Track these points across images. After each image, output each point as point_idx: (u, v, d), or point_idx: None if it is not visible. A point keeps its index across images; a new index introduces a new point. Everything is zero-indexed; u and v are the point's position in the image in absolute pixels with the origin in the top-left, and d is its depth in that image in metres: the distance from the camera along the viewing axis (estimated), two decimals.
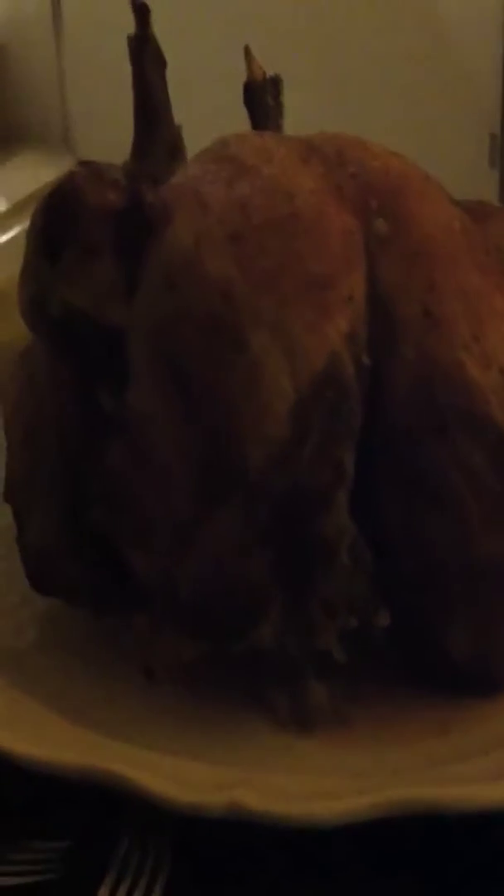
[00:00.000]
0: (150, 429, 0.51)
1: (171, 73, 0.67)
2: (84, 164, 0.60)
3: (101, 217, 0.55)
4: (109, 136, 0.88)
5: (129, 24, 0.67)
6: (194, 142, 0.66)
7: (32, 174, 1.48)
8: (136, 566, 0.51)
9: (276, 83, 0.69)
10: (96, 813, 0.51)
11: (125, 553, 0.52)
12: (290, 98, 0.69)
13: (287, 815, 0.48)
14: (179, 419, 0.50)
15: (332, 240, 0.51)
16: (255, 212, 0.51)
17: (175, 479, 0.50)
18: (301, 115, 0.71)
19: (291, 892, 0.49)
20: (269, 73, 0.69)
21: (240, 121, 0.69)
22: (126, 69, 0.67)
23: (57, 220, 0.56)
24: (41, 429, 0.56)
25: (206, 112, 0.84)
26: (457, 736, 0.52)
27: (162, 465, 0.50)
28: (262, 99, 0.69)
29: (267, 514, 0.49)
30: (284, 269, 0.50)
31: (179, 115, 0.68)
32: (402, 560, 0.52)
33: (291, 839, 0.49)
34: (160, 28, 0.67)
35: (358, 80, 1.49)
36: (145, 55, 0.66)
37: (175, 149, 0.66)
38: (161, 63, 0.67)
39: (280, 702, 0.53)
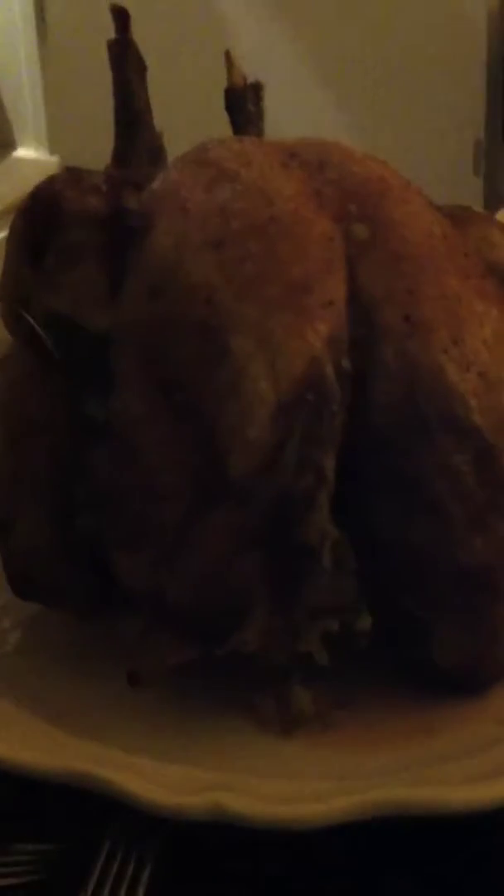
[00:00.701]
0: (135, 433, 0.51)
1: (151, 78, 0.68)
2: (66, 168, 0.60)
3: (82, 222, 0.55)
4: (92, 141, 0.88)
5: (110, 29, 0.67)
6: (175, 147, 0.66)
7: (15, 179, 1.49)
8: (122, 570, 0.52)
9: (256, 89, 0.69)
10: (79, 816, 0.51)
11: (112, 557, 0.52)
12: (271, 104, 0.69)
13: (269, 818, 0.48)
14: (164, 424, 0.50)
15: (312, 245, 0.51)
16: (234, 217, 0.52)
17: (161, 483, 0.50)
18: (284, 121, 0.72)
19: (277, 894, 0.49)
20: (251, 78, 0.70)
21: (221, 126, 0.70)
22: (108, 74, 0.67)
23: (38, 225, 0.56)
24: (25, 435, 0.56)
25: (187, 117, 0.85)
26: (442, 738, 0.52)
27: (148, 470, 0.51)
28: (243, 104, 0.69)
29: (252, 518, 0.50)
30: (265, 274, 0.50)
31: (161, 120, 0.68)
32: (387, 563, 0.52)
33: (276, 842, 0.49)
34: (140, 33, 0.67)
35: (342, 87, 1.49)
36: (126, 60, 0.66)
37: (156, 154, 0.67)
38: (142, 68, 0.67)
39: (264, 704, 0.53)
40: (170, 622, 0.51)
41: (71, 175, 0.59)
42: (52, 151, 1.63)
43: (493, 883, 0.49)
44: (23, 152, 1.66)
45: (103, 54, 0.67)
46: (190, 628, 0.51)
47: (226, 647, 0.51)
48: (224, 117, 0.70)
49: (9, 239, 0.61)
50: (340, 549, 0.50)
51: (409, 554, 0.51)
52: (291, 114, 0.80)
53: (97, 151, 0.71)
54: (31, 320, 0.56)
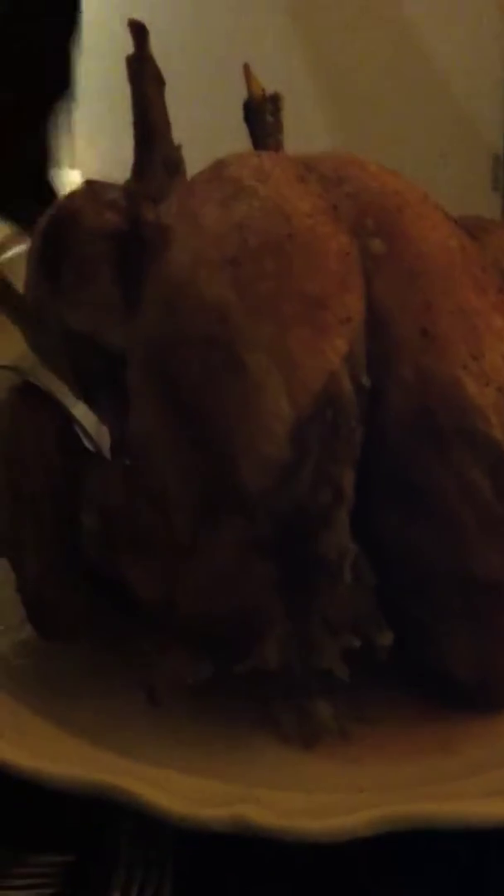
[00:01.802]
0: (149, 449, 0.51)
1: (169, 92, 0.68)
2: (86, 183, 0.61)
3: (99, 238, 0.56)
4: (113, 154, 0.89)
5: (128, 45, 0.67)
6: (194, 160, 0.67)
7: None
8: (136, 589, 0.52)
9: (275, 101, 0.69)
10: (99, 827, 0.51)
11: (125, 577, 0.52)
12: (290, 117, 0.69)
13: (290, 830, 0.48)
14: (178, 440, 0.50)
15: (329, 261, 0.51)
16: (251, 234, 0.52)
17: (174, 499, 0.50)
18: (302, 133, 0.72)
19: None
20: (269, 90, 0.70)
21: (240, 139, 0.70)
22: (127, 88, 0.68)
23: (56, 240, 0.57)
24: (23, 474, 0.56)
25: (205, 131, 0.85)
26: (460, 753, 0.52)
27: (161, 486, 0.51)
28: (261, 116, 0.69)
29: (268, 535, 0.50)
30: (281, 291, 0.50)
31: (179, 133, 0.69)
32: (403, 577, 0.52)
33: (294, 855, 0.49)
34: (158, 48, 0.68)
35: (358, 100, 1.49)
36: (144, 75, 0.66)
37: (175, 168, 0.67)
38: (160, 82, 0.67)
39: (284, 718, 0.53)
40: (186, 639, 0.51)
41: (90, 190, 0.60)
42: (72, 165, 1.63)
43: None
44: None
45: (122, 69, 0.67)
46: (206, 645, 0.51)
47: (244, 663, 0.51)
48: (243, 129, 0.70)
49: (29, 255, 0.61)
50: (359, 564, 0.50)
51: (424, 566, 0.51)
52: (306, 127, 0.80)
53: (117, 165, 0.71)
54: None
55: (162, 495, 0.50)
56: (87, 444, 0.58)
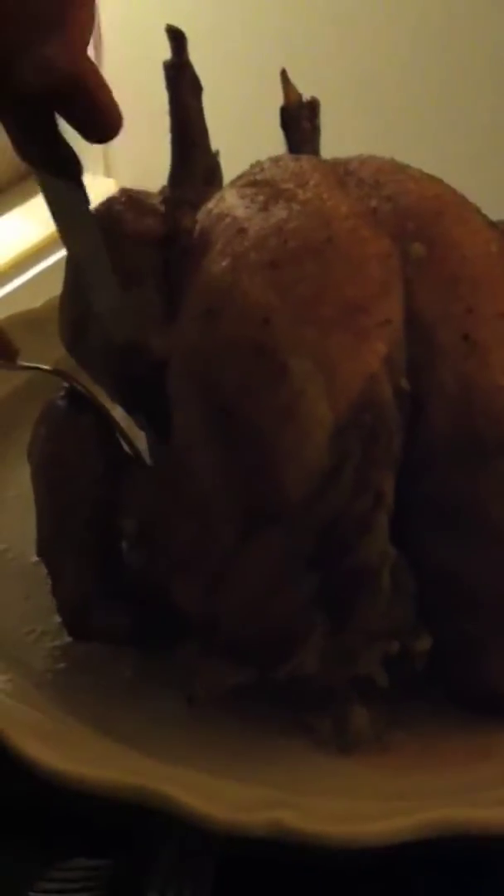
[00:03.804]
0: (190, 456, 0.51)
1: (206, 97, 0.68)
2: (123, 191, 0.61)
3: (139, 244, 0.56)
4: (148, 162, 0.89)
5: (166, 51, 0.67)
6: (230, 165, 0.67)
7: None
8: (177, 596, 0.52)
9: (312, 106, 0.70)
10: (137, 833, 0.51)
11: (166, 584, 0.52)
12: (327, 121, 0.69)
13: (327, 836, 0.48)
14: (219, 445, 0.50)
15: (369, 264, 0.51)
16: (291, 237, 0.52)
17: (216, 506, 0.50)
18: (336, 138, 0.72)
19: None
20: (306, 96, 0.70)
21: (276, 144, 0.70)
22: (163, 95, 0.68)
23: None
24: (64, 481, 0.57)
25: (242, 136, 0.85)
26: (498, 760, 0.52)
27: (202, 493, 0.50)
28: (298, 122, 0.69)
29: (309, 540, 0.49)
30: (322, 294, 0.50)
31: (215, 139, 0.69)
32: (441, 587, 0.51)
33: (333, 862, 0.49)
34: (195, 54, 0.68)
35: (397, 103, 1.49)
36: (182, 81, 0.67)
37: (212, 173, 0.67)
38: (197, 88, 0.67)
39: (322, 724, 0.53)
40: (227, 645, 0.51)
41: (128, 197, 0.60)
42: (107, 173, 1.64)
43: None
44: None
45: (159, 75, 0.67)
46: (247, 651, 0.51)
47: (284, 670, 0.51)
48: (279, 135, 0.70)
49: (68, 262, 0.61)
50: (398, 571, 0.50)
51: (462, 578, 0.51)
52: (343, 131, 0.80)
53: (151, 173, 0.72)
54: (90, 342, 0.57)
55: (203, 503, 0.50)
56: (127, 449, 0.58)
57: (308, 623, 0.50)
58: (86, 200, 0.55)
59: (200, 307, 0.52)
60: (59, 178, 0.53)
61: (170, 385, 0.53)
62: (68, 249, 0.57)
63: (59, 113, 0.50)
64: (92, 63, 0.49)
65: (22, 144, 0.52)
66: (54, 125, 0.51)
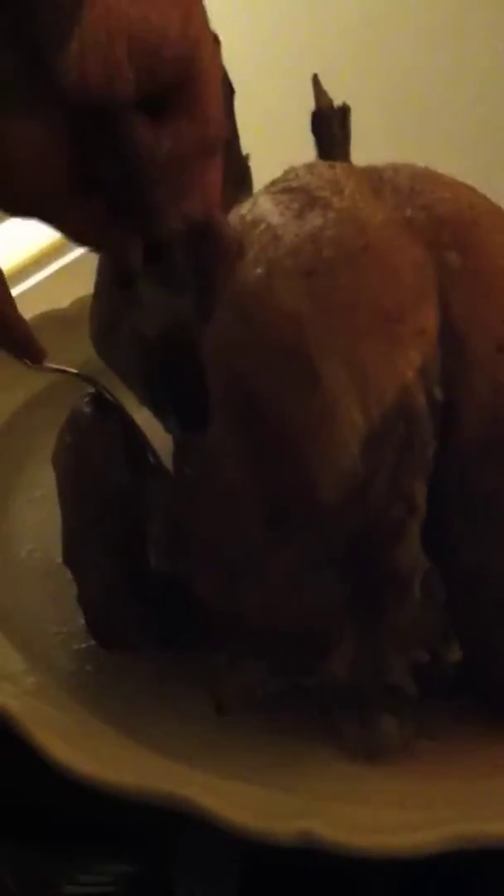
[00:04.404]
0: (221, 459, 0.51)
1: (238, 101, 0.68)
2: None
3: (174, 245, 0.56)
4: None
5: None
6: (260, 170, 0.66)
7: None
8: (206, 602, 0.51)
9: (344, 112, 0.69)
10: (163, 838, 0.51)
11: (195, 590, 0.52)
12: (358, 127, 0.69)
13: (356, 846, 0.48)
14: (252, 451, 0.50)
15: (404, 273, 0.51)
16: (327, 245, 0.52)
17: (246, 510, 0.50)
18: (367, 145, 0.72)
19: None
20: (337, 101, 0.70)
21: (306, 149, 0.70)
22: None
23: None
24: (90, 486, 0.57)
25: (272, 140, 0.85)
26: None
27: (233, 497, 0.50)
28: (329, 127, 0.69)
29: (339, 547, 0.49)
30: (357, 303, 0.50)
31: (246, 143, 0.68)
32: (473, 595, 0.51)
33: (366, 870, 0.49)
34: (227, 56, 0.68)
35: (428, 110, 1.48)
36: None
37: (242, 178, 0.67)
38: (229, 91, 0.67)
39: (349, 732, 0.53)
40: (255, 652, 0.51)
41: None
42: None
43: None
44: None
45: None
46: (277, 658, 0.51)
47: (313, 677, 0.51)
48: (309, 140, 0.70)
49: (100, 262, 0.61)
50: (430, 579, 0.50)
51: (495, 587, 0.51)
52: (375, 138, 0.80)
53: None
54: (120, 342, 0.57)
55: (233, 504, 0.50)
56: (149, 455, 0.58)
57: (337, 630, 0.50)
58: None
59: (235, 312, 0.52)
60: None
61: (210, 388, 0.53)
62: None
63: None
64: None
65: None
66: None
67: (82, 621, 0.58)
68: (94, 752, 0.52)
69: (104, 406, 0.58)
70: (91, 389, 0.59)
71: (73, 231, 0.50)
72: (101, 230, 0.50)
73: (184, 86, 0.48)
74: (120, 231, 0.50)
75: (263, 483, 0.50)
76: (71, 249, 1.20)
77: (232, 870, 0.50)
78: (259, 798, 0.50)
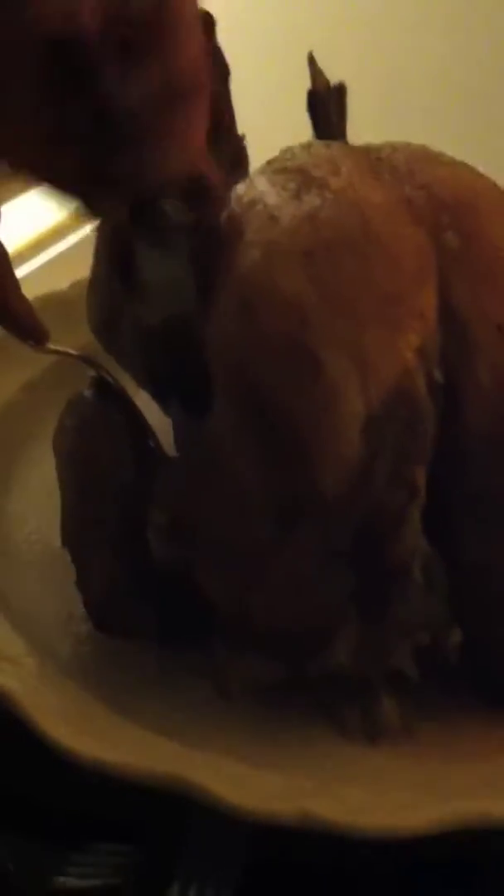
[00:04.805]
0: (225, 447, 0.51)
1: (234, 82, 0.68)
2: None
3: (171, 231, 0.55)
4: None
5: None
6: (257, 151, 0.66)
7: None
8: (210, 591, 0.51)
9: (340, 91, 0.69)
10: (163, 821, 0.51)
11: (199, 579, 0.52)
12: (355, 107, 0.69)
13: (358, 826, 0.48)
14: (255, 439, 0.50)
15: (404, 255, 0.51)
16: (325, 226, 0.51)
17: (251, 500, 0.50)
18: (366, 125, 0.71)
19: None
20: (334, 81, 0.69)
21: (302, 129, 0.69)
22: None
23: (127, 237, 0.56)
24: (93, 476, 0.57)
25: (268, 121, 0.84)
26: None
27: (238, 486, 0.50)
28: (325, 108, 0.69)
29: (345, 535, 0.49)
30: (357, 285, 0.50)
31: (242, 123, 0.68)
32: (474, 581, 0.51)
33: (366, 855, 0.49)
34: (222, 37, 0.67)
35: (425, 89, 1.48)
36: (211, 65, 0.66)
37: (238, 158, 0.66)
38: (225, 73, 0.67)
39: (351, 714, 0.53)
40: (260, 640, 0.51)
41: None
42: None
43: None
44: None
45: None
46: (280, 646, 0.51)
47: (316, 664, 0.51)
48: (306, 120, 0.70)
49: (96, 252, 0.61)
50: (431, 565, 0.50)
51: (496, 573, 0.51)
52: (372, 117, 0.80)
53: None
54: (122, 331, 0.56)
55: (239, 496, 0.50)
56: (150, 441, 0.58)
57: (342, 617, 0.50)
58: None
59: (235, 298, 0.52)
60: None
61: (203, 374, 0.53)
62: None
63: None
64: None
65: None
66: None
67: (82, 605, 0.58)
68: (94, 733, 0.52)
69: (106, 389, 0.57)
70: (92, 373, 0.59)
71: (47, 180, 0.49)
72: (76, 182, 0.48)
73: (154, 27, 0.46)
74: (97, 184, 0.48)
75: (270, 474, 0.50)
76: (69, 234, 1.20)
77: (236, 862, 0.50)
78: (259, 779, 0.50)
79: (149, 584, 0.55)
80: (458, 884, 0.50)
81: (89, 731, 0.52)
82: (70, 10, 0.44)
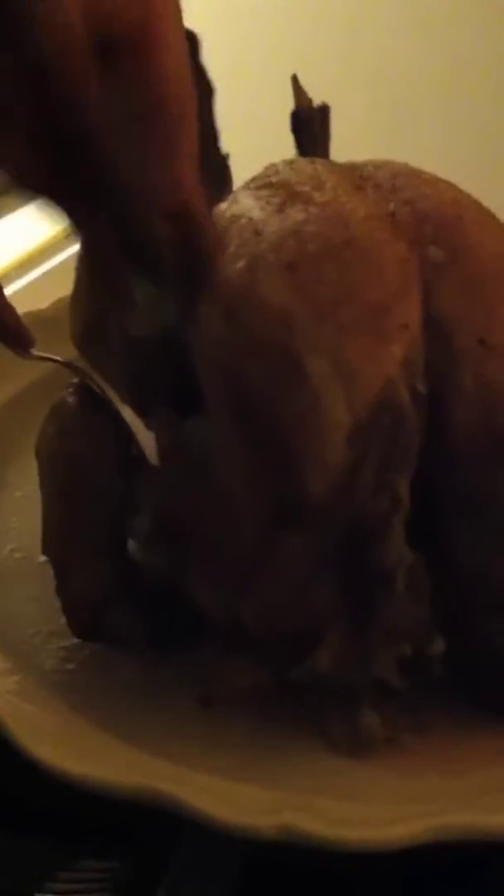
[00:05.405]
0: (212, 457, 0.51)
1: (219, 101, 0.68)
2: None
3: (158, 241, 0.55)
4: None
5: None
6: (240, 169, 0.67)
7: None
8: (198, 597, 0.51)
9: (324, 111, 0.69)
10: (149, 835, 0.51)
11: (186, 585, 0.52)
12: (338, 126, 0.69)
13: (338, 840, 0.47)
14: (242, 447, 0.50)
15: (388, 268, 0.51)
16: (309, 240, 0.52)
17: (238, 507, 0.50)
18: (349, 143, 0.72)
19: None
20: (317, 101, 0.70)
21: (286, 149, 0.70)
22: None
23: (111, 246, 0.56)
24: (75, 480, 0.56)
25: (252, 140, 0.85)
26: None
27: (225, 494, 0.50)
28: (309, 127, 0.69)
29: (329, 542, 0.49)
30: (341, 297, 0.50)
31: (226, 141, 0.68)
32: (464, 589, 0.51)
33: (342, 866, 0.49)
34: (208, 56, 0.68)
35: (409, 109, 1.49)
36: (196, 83, 0.66)
37: (222, 177, 0.67)
38: (210, 91, 0.67)
39: (334, 726, 0.53)
40: (245, 646, 0.51)
41: None
42: None
43: None
44: None
45: None
46: (265, 652, 0.51)
47: (300, 670, 0.51)
48: (289, 140, 0.70)
49: (80, 262, 0.61)
50: (414, 573, 0.50)
51: (485, 580, 0.51)
52: (355, 136, 0.80)
53: None
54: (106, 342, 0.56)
55: (227, 503, 0.50)
56: (133, 449, 0.58)
57: (327, 623, 0.50)
58: None
59: (219, 309, 0.52)
60: None
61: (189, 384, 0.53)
62: None
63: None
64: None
65: None
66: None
67: (63, 620, 0.58)
68: (77, 749, 0.51)
69: (89, 396, 0.57)
70: (75, 381, 0.59)
71: (14, 176, 0.48)
72: (46, 186, 0.48)
73: (139, 43, 0.47)
74: (69, 196, 0.48)
75: (257, 481, 0.50)
76: (52, 255, 1.21)
77: (231, 871, 0.50)
78: (241, 793, 0.50)
79: (132, 588, 0.55)
80: (458, 884, 0.50)
81: (71, 747, 0.51)
82: (57, 24, 0.44)
